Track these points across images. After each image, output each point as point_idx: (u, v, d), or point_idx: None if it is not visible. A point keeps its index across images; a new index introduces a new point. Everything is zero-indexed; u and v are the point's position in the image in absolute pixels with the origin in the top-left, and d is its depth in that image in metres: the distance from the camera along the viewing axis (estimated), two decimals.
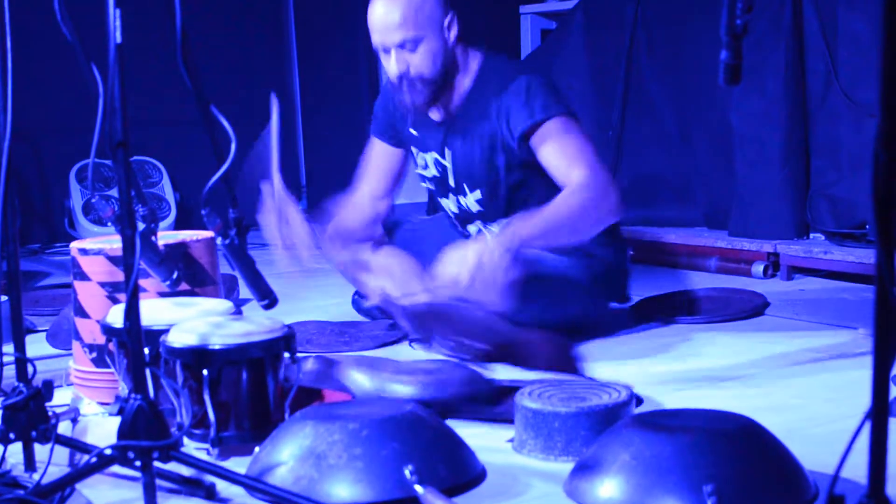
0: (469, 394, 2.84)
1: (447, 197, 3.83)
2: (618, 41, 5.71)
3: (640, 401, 2.93)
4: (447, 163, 3.74)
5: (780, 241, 4.92)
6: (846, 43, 4.70)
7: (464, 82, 3.69)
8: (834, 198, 4.79)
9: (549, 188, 3.57)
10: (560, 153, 3.53)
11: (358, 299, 4.12)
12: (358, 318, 4.18)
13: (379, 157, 4.02)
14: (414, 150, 3.88)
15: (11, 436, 2.40)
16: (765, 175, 5.00)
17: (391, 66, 3.61)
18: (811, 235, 4.97)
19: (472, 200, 3.74)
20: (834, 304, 4.29)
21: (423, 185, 3.94)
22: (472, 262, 3.19)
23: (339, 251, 3.86)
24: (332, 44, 7.24)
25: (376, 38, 3.60)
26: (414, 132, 3.84)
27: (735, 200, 5.15)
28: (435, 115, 3.76)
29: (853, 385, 3.13)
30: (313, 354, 3.36)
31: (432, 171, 3.82)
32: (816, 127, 4.90)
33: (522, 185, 3.69)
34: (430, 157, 3.80)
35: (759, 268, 4.89)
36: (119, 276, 2.75)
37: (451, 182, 3.77)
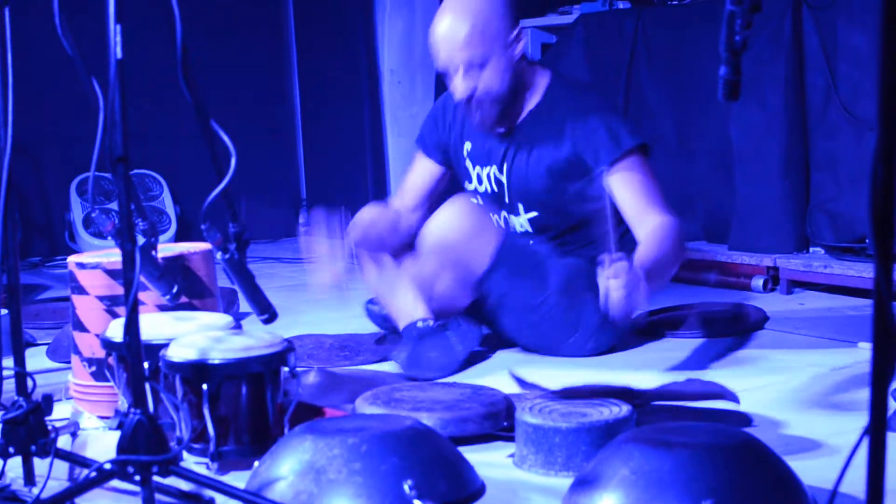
0: (489, 430, 2.84)
1: (497, 214, 3.75)
2: (618, 55, 5.71)
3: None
4: (504, 178, 3.70)
5: (779, 255, 4.93)
6: (846, 57, 4.70)
7: (531, 98, 3.66)
8: (833, 212, 4.80)
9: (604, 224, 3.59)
10: (638, 191, 3.51)
11: (370, 307, 4.07)
12: (358, 330, 4.18)
13: (420, 171, 3.99)
14: (469, 164, 3.81)
15: (11, 450, 2.40)
16: (764, 189, 5.01)
17: (458, 86, 3.57)
18: (811, 249, 4.97)
19: (523, 220, 3.71)
20: (833, 319, 4.29)
21: (474, 200, 3.81)
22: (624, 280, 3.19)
23: (365, 256, 3.85)
24: (332, 56, 7.25)
25: (442, 58, 3.57)
26: (469, 146, 3.80)
27: (735, 214, 5.15)
28: (501, 126, 3.71)
29: (852, 399, 3.14)
30: (314, 368, 3.38)
31: (486, 186, 3.76)
32: (816, 141, 4.90)
33: (581, 217, 3.60)
34: (487, 171, 3.75)
35: (758, 282, 4.90)
36: (117, 289, 2.75)
37: (507, 199, 3.72)
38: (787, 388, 3.29)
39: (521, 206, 3.70)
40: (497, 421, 2.85)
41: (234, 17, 7.30)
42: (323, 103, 7.47)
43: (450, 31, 3.53)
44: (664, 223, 3.45)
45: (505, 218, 3.74)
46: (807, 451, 2.65)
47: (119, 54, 2.14)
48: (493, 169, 3.71)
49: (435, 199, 3.96)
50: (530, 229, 3.71)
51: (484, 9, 3.52)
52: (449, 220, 3.54)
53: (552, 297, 3.58)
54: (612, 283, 3.05)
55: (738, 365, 3.60)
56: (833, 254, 4.81)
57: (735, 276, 5.02)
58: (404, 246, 3.79)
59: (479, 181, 3.78)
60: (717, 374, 3.44)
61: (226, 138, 2.45)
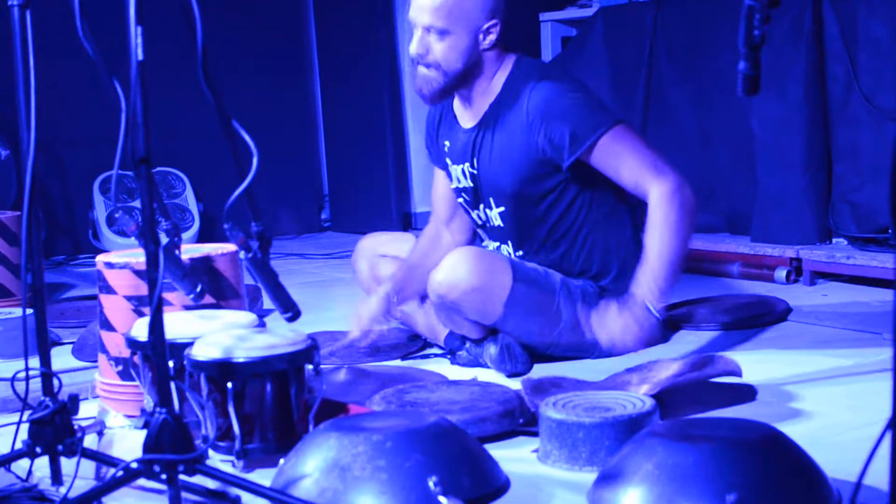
0: (507, 428, 2.85)
1: (477, 208, 3.75)
2: (638, 48, 5.71)
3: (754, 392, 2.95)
4: (476, 171, 3.68)
5: (802, 246, 4.92)
6: (867, 48, 4.69)
7: (494, 88, 3.62)
8: (856, 202, 4.79)
9: (582, 209, 3.60)
10: (625, 167, 3.49)
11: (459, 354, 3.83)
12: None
13: (440, 183, 3.97)
14: (448, 162, 3.80)
15: (38, 450, 2.42)
16: (786, 180, 5.00)
17: (414, 43, 3.57)
18: (833, 240, 4.96)
19: (495, 214, 3.68)
20: (857, 310, 4.28)
21: (460, 200, 3.84)
22: (618, 322, 3.26)
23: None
24: (352, 50, 7.25)
25: (411, 13, 3.58)
26: (448, 144, 3.79)
27: (757, 206, 5.14)
28: (466, 122, 3.71)
29: (876, 392, 3.13)
30: (344, 366, 3.39)
31: (465, 182, 3.74)
32: (837, 132, 4.89)
33: (550, 206, 3.62)
34: (462, 167, 3.72)
35: (781, 273, 4.89)
36: (145, 289, 2.76)
37: (479, 192, 3.70)
38: (811, 381, 3.29)
39: (492, 201, 3.68)
40: (513, 418, 2.85)
41: (253, 12, 7.30)
42: (344, 98, 7.47)
43: None
44: (663, 195, 3.42)
45: (484, 212, 3.72)
46: (830, 444, 2.65)
47: (140, 56, 2.16)
48: (466, 165, 3.70)
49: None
50: (502, 224, 3.68)
51: None
52: (455, 271, 3.46)
53: (566, 329, 3.57)
54: (611, 326, 3.24)
55: (760, 357, 3.59)
56: (856, 244, 4.80)
57: (758, 268, 5.01)
58: None
59: (458, 179, 3.77)
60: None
61: (247, 138, 2.46)
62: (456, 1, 3.51)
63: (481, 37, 3.55)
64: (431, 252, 3.86)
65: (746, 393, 3.15)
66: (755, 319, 4.07)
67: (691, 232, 3.45)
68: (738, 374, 3.08)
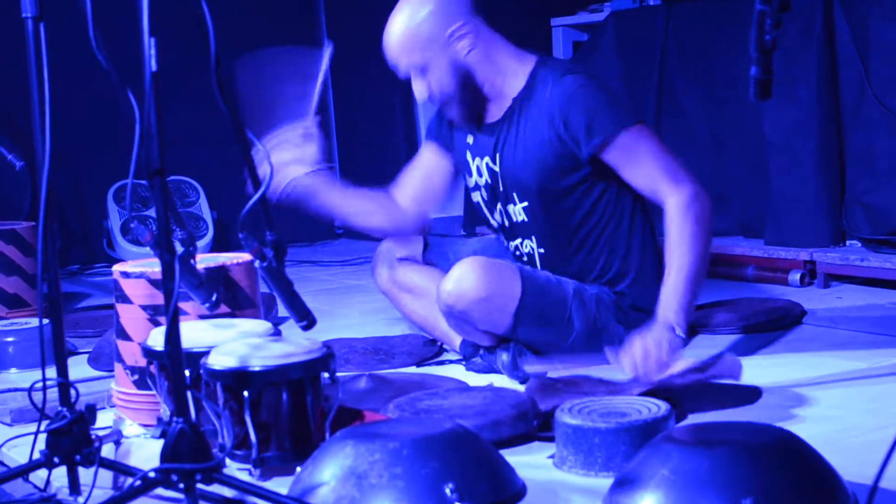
0: (522, 431, 2.86)
1: (496, 207, 3.73)
2: (649, 52, 5.71)
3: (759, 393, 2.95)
4: (497, 168, 3.66)
5: (816, 248, 4.91)
6: (878, 51, 4.69)
7: (514, 85, 3.60)
8: (869, 205, 4.79)
9: (607, 209, 3.59)
10: (641, 169, 3.47)
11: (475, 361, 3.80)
12: (384, 332, 4.19)
13: (425, 161, 3.94)
14: (469, 156, 3.77)
15: (56, 460, 2.43)
16: (799, 183, 5.00)
17: (415, 90, 3.60)
18: (847, 243, 4.96)
19: (518, 210, 3.66)
20: (872, 313, 4.28)
21: (475, 197, 3.81)
22: (643, 354, 3.20)
23: (395, 290, 3.88)
24: (366, 62, 7.24)
25: (397, 68, 3.60)
26: (472, 139, 3.75)
27: (770, 209, 5.14)
28: (489, 118, 3.69)
29: (892, 395, 3.14)
30: (365, 374, 3.40)
31: (485, 178, 3.72)
32: (850, 135, 4.89)
33: (576, 203, 3.60)
34: (485, 162, 3.70)
35: (795, 276, 4.89)
36: (160, 299, 2.77)
37: (501, 188, 3.68)
38: (826, 384, 3.29)
39: (515, 196, 3.65)
40: (527, 421, 2.86)
41: (265, 21, 7.30)
42: (355, 104, 7.48)
43: (389, 42, 3.57)
44: (679, 206, 3.40)
45: (505, 208, 3.70)
46: (846, 447, 2.65)
47: (154, 67, 2.17)
48: (487, 159, 3.69)
49: (432, 194, 3.93)
50: (525, 219, 3.66)
51: (415, 12, 3.53)
52: (463, 281, 3.46)
53: (579, 337, 3.57)
54: (639, 357, 3.18)
55: (776, 360, 3.59)
56: (870, 247, 4.79)
57: (772, 271, 5.01)
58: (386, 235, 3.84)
59: (479, 173, 3.74)
60: (753, 372, 3.44)
61: (261, 147, 2.47)
62: (414, 30, 3.52)
63: (455, 46, 3.53)
64: (378, 202, 3.90)
65: (761, 396, 3.15)
66: (770, 323, 4.06)
67: (709, 243, 3.43)
68: (736, 377, 3.08)
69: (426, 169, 3.93)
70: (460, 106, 3.60)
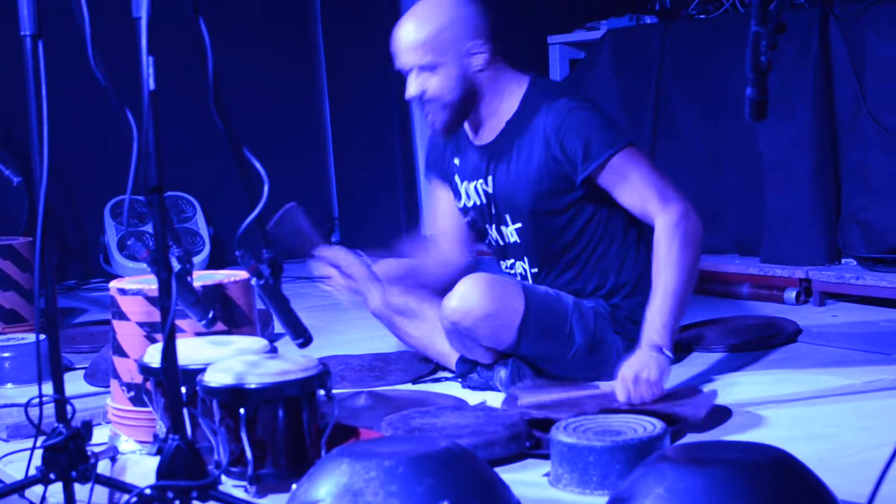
0: (515, 451, 2.87)
1: (489, 226, 3.76)
2: (646, 69, 5.72)
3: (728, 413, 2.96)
4: (490, 189, 3.68)
5: (811, 266, 4.92)
6: (874, 69, 4.71)
7: (508, 107, 3.64)
8: (865, 223, 4.79)
9: (598, 229, 3.62)
10: (631, 190, 3.50)
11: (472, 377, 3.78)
12: (380, 349, 4.20)
13: (441, 201, 3.96)
14: (457, 179, 3.81)
15: (52, 476, 2.43)
16: (795, 201, 5.01)
17: (409, 85, 3.61)
18: (843, 261, 4.96)
19: (511, 231, 3.69)
20: (867, 331, 4.28)
21: (466, 219, 3.84)
22: (634, 380, 3.21)
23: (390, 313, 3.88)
24: (361, 73, 7.27)
25: (397, 60, 3.61)
26: (458, 161, 3.80)
27: (766, 227, 5.15)
28: (479, 140, 3.72)
29: (886, 413, 3.14)
30: (364, 391, 3.41)
31: (474, 199, 3.75)
32: (846, 152, 4.90)
33: (568, 223, 3.63)
34: (475, 184, 3.73)
35: (791, 294, 4.89)
36: (157, 316, 2.78)
37: (493, 210, 3.71)
38: (820, 402, 3.29)
39: (508, 217, 3.68)
40: (520, 441, 2.87)
41: (262, 36, 7.32)
42: (353, 120, 7.48)
43: (406, 34, 3.58)
44: (667, 225, 3.41)
45: (498, 230, 3.73)
46: (840, 466, 2.65)
47: (152, 85, 2.18)
48: (479, 182, 3.71)
49: (466, 230, 3.92)
50: (518, 240, 3.69)
51: (442, 17, 3.55)
52: (468, 298, 3.48)
53: (580, 350, 3.58)
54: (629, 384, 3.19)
55: (770, 378, 3.60)
56: (865, 265, 4.80)
57: (767, 289, 5.02)
58: (454, 281, 3.71)
59: (468, 196, 3.77)
60: (748, 389, 3.45)
61: (258, 165, 2.47)
62: (436, 32, 3.55)
63: (470, 60, 3.57)
64: (435, 263, 3.90)
65: (755, 416, 3.16)
66: (765, 341, 4.07)
67: (696, 262, 3.44)
68: (698, 417, 3.05)
69: (447, 210, 3.95)
70: (447, 114, 3.61)
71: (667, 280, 3.37)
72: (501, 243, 3.76)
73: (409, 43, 3.57)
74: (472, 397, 3.49)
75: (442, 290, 3.68)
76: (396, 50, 3.61)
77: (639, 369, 3.20)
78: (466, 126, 3.74)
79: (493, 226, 3.74)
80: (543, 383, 3.42)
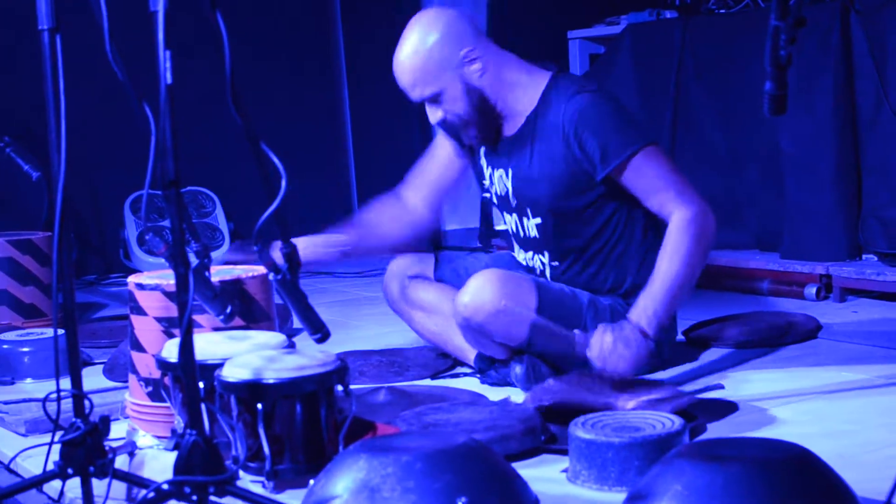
0: (530, 446, 2.86)
1: (511, 214, 3.76)
2: (665, 65, 5.70)
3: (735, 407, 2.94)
4: (509, 183, 3.69)
5: (832, 262, 4.90)
6: (895, 64, 4.69)
7: (528, 102, 3.61)
8: (886, 219, 4.77)
9: (618, 226, 3.62)
10: (651, 189, 3.51)
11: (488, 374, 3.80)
12: (398, 343, 4.20)
13: (438, 157, 3.94)
14: (484, 162, 3.79)
15: (70, 471, 2.43)
16: (815, 197, 4.99)
17: (430, 116, 3.62)
18: (864, 257, 4.94)
19: (531, 225, 3.69)
20: (888, 327, 4.26)
21: (489, 196, 3.86)
22: (610, 345, 3.26)
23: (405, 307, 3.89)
24: (381, 69, 7.25)
25: (410, 96, 3.62)
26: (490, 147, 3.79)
27: (786, 223, 5.13)
28: (506, 131, 3.69)
29: None
30: (384, 387, 3.40)
31: (497, 188, 3.75)
32: (867, 147, 4.88)
33: (588, 220, 3.63)
34: (499, 173, 3.73)
35: (811, 290, 4.87)
36: (175, 311, 2.78)
37: (514, 202, 3.71)
38: (840, 398, 3.28)
39: (529, 211, 3.68)
40: (535, 435, 2.87)
41: (281, 30, 7.32)
42: (373, 114, 7.48)
43: (402, 74, 3.59)
44: (681, 222, 3.43)
45: (520, 220, 3.73)
46: (860, 462, 2.64)
47: (169, 80, 2.17)
48: (501, 172, 3.71)
49: (445, 194, 3.94)
50: (538, 235, 3.69)
51: (426, 43, 3.53)
52: (481, 294, 3.48)
53: None
54: (605, 346, 3.26)
55: (790, 374, 3.58)
56: (886, 261, 4.78)
57: (788, 285, 5.00)
58: (408, 245, 3.81)
59: (492, 182, 3.77)
60: (766, 385, 3.43)
61: (276, 160, 2.47)
62: (425, 61, 3.54)
63: (468, 70, 3.54)
64: (388, 215, 3.94)
65: (774, 412, 3.15)
66: (785, 337, 4.05)
67: (702, 261, 3.46)
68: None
69: (441, 166, 3.94)
70: (477, 128, 3.61)
71: (668, 270, 3.39)
72: (522, 235, 3.75)
73: (408, 82, 3.58)
74: (493, 393, 3.49)
75: (400, 248, 3.81)
76: (401, 86, 3.62)
77: (617, 339, 3.25)
78: None
79: (515, 215, 3.74)
80: (562, 385, 3.39)
